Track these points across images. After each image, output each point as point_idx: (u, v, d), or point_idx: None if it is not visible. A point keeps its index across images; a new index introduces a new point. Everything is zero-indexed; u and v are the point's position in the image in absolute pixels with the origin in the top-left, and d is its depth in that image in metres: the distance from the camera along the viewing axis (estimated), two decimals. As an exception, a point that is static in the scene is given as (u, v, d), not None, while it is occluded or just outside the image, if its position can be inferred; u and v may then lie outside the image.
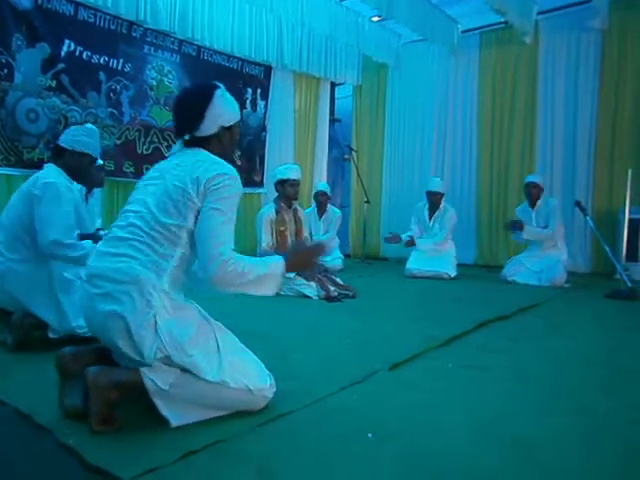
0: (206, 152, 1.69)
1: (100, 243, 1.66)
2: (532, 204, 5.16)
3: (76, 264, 2.28)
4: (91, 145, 2.53)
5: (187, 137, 1.72)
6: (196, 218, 1.56)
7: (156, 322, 1.48)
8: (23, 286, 2.32)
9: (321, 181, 6.78)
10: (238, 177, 1.64)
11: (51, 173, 2.40)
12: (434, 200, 5.61)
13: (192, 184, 1.56)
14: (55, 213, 2.28)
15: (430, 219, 5.64)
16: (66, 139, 2.48)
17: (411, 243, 5.61)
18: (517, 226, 5.03)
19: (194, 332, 1.55)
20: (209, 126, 1.69)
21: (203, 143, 1.71)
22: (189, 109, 1.71)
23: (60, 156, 2.48)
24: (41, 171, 2.45)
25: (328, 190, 6.05)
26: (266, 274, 1.64)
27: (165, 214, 1.55)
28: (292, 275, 4.03)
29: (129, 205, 1.66)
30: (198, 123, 1.68)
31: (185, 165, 1.62)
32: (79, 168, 2.51)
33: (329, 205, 6.05)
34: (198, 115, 1.68)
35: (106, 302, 1.50)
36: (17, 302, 2.35)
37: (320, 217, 5.98)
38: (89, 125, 2.61)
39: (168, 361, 1.50)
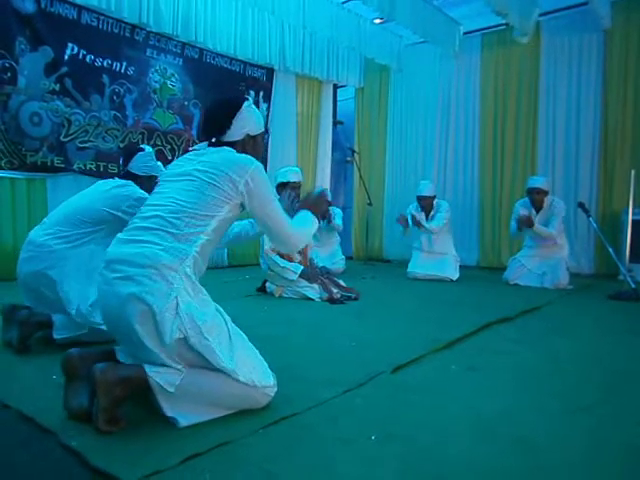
0: (229, 148, 1.81)
1: (120, 233, 1.69)
2: (537, 209, 4.98)
3: None
4: (157, 167, 2.80)
5: (213, 140, 1.84)
6: (233, 209, 1.70)
7: (178, 304, 1.50)
8: (61, 264, 2.38)
9: (320, 187, 6.56)
10: (261, 165, 1.77)
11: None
12: (425, 204, 5.51)
13: (227, 181, 1.67)
14: None
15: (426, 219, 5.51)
16: (137, 166, 2.73)
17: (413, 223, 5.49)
18: (529, 223, 4.81)
19: (211, 318, 1.57)
20: (235, 132, 1.84)
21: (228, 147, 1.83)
22: (218, 115, 1.86)
23: (134, 181, 2.67)
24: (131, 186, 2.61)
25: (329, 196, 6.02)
26: (312, 228, 1.99)
27: (196, 206, 1.63)
28: (295, 278, 4.04)
29: (152, 199, 1.73)
30: (225, 128, 1.83)
31: (214, 162, 1.72)
32: (149, 190, 2.60)
33: (329, 208, 6.02)
34: (226, 120, 1.83)
35: (126, 285, 1.51)
36: (43, 282, 2.38)
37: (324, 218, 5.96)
38: (149, 149, 2.83)
39: (184, 346, 1.50)
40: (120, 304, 1.51)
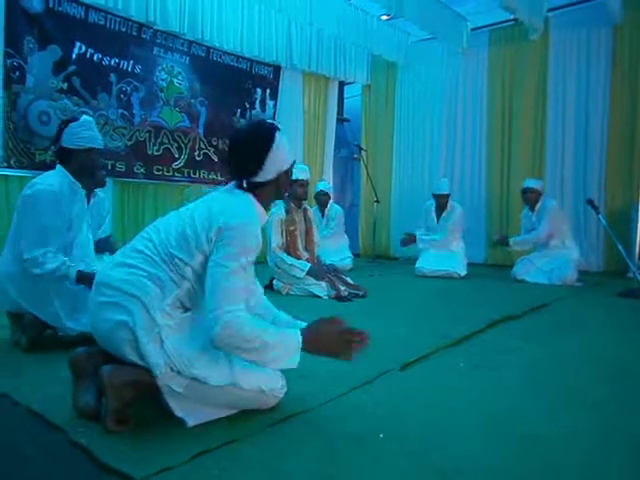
0: (235, 195, 1.65)
1: (118, 253, 1.67)
2: (532, 209, 5.17)
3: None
4: (94, 138, 2.47)
5: (244, 184, 1.66)
6: (203, 261, 1.55)
7: (162, 339, 1.49)
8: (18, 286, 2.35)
9: (322, 180, 6.61)
10: (254, 225, 1.56)
11: (48, 179, 2.36)
12: (442, 202, 5.64)
13: (205, 228, 1.54)
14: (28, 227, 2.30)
15: (438, 219, 5.67)
16: (69, 139, 2.41)
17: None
18: (503, 242, 5.22)
19: (200, 344, 1.54)
20: (268, 173, 1.64)
21: (258, 188, 1.67)
22: (248, 154, 1.64)
23: (68, 157, 2.43)
24: (43, 175, 2.42)
25: (329, 189, 6.10)
26: (275, 342, 1.49)
27: (176, 247, 1.56)
28: (302, 275, 4.04)
29: (156, 222, 1.68)
30: (258, 170, 1.63)
31: (210, 206, 1.60)
32: (90, 164, 2.48)
33: (330, 203, 6.09)
34: (258, 161, 1.62)
35: (114, 312, 1.52)
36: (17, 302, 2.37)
37: (322, 216, 6.06)
38: (85, 117, 2.51)
39: (176, 374, 1.50)
40: (109, 329, 1.52)
